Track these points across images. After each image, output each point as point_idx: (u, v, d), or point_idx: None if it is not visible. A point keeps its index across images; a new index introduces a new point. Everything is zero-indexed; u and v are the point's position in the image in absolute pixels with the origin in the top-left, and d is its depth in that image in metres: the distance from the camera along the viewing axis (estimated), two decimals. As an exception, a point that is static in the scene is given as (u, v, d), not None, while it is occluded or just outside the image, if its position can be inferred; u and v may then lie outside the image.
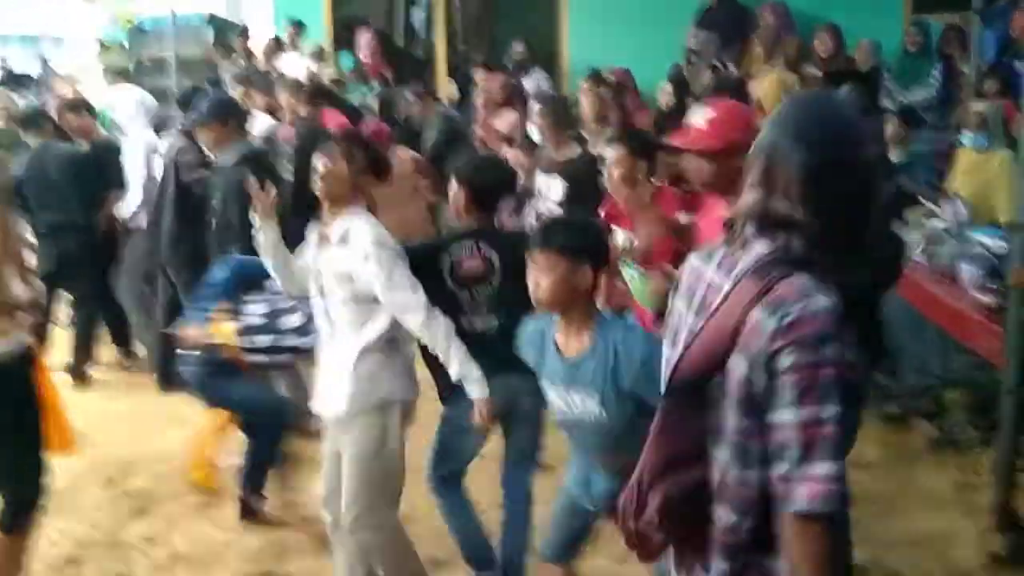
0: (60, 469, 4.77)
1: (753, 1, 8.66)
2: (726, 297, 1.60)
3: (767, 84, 7.87)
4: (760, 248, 1.61)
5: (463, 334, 3.27)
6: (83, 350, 6.34)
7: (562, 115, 5.62)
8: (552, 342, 2.74)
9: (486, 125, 6.85)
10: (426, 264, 3.34)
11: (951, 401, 5.11)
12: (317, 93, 6.82)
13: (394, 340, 3.29)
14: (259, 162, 4.91)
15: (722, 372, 1.58)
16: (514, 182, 4.06)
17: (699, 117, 2.81)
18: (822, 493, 1.47)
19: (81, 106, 6.67)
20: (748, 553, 1.62)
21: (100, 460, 4.91)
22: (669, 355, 1.76)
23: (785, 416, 1.50)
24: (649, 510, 1.67)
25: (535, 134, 5.70)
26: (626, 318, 3.17)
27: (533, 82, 8.42)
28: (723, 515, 1.63)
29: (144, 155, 6.19)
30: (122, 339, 6.61)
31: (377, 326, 3.23)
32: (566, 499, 3.03)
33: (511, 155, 5.70)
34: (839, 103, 1.82)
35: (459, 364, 3.21)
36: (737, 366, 1.56)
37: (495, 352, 3.24)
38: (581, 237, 2.72)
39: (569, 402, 2.70)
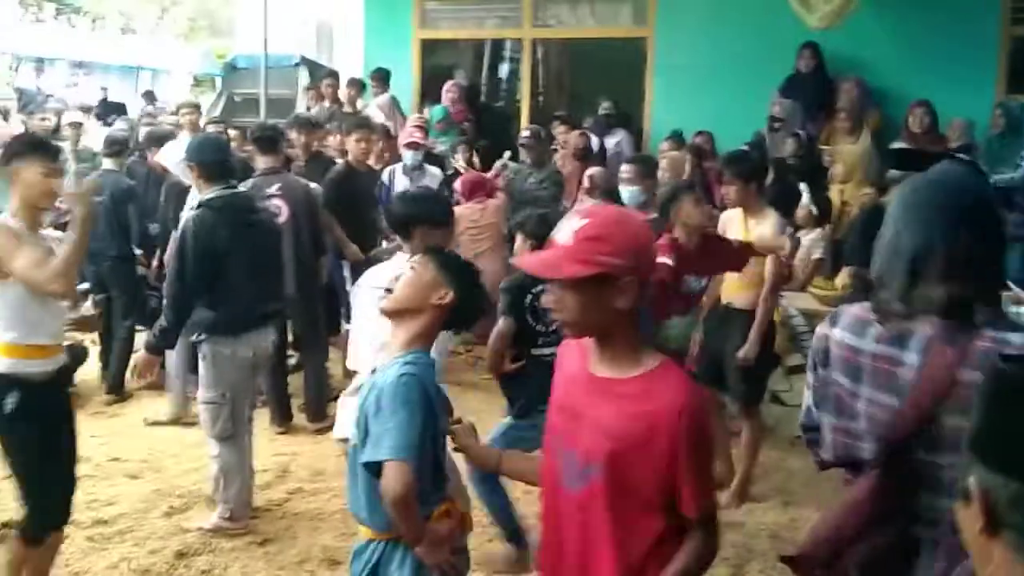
0: (125, 495, 4.94)
1: (838, 73, 8.60)
2: (923, 365, 1.77)
3: (851, 154, 7.87)
4: (933, 319, 1.79)
5: (536, 361, 3.93)
6: (122, 367, 6.43)
7: (649, 174, 5.67)
8: None
9: (569, 179, 6.93)
10: (517, 300, 4.03)
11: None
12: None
13: None
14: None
15: (932, 429, 1.75)
16: None
17: (566, 230, 2.01)
18: None
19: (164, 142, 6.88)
20: None
21: (166, 488, 4.98)
22: (829, 422, 1.93)
23: None
24: (845, 565, 1.83)
25: (624, 192, 5.69)
26: None
27: (615, 141, 8.46)
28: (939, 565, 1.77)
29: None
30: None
31: None
32: None
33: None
34: (971, 181, 1.93)
35: None
36: (951, 421, 1.72)
37: None
38: None
39: None
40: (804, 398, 2.06)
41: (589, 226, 1.95)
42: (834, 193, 7.70)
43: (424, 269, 2.60)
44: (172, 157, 6.12)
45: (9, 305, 3.41)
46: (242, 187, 5.07)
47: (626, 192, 5.65)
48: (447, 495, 2.57)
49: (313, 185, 6.13)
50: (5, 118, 10.22)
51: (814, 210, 6.80)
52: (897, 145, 7.46)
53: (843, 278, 6.35)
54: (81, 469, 5.20)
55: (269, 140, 5.94)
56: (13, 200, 3.48)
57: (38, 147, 3.57)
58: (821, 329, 1.98)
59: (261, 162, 5.92)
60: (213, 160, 4.57)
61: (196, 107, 8.75)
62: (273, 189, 5.73)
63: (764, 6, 8.54)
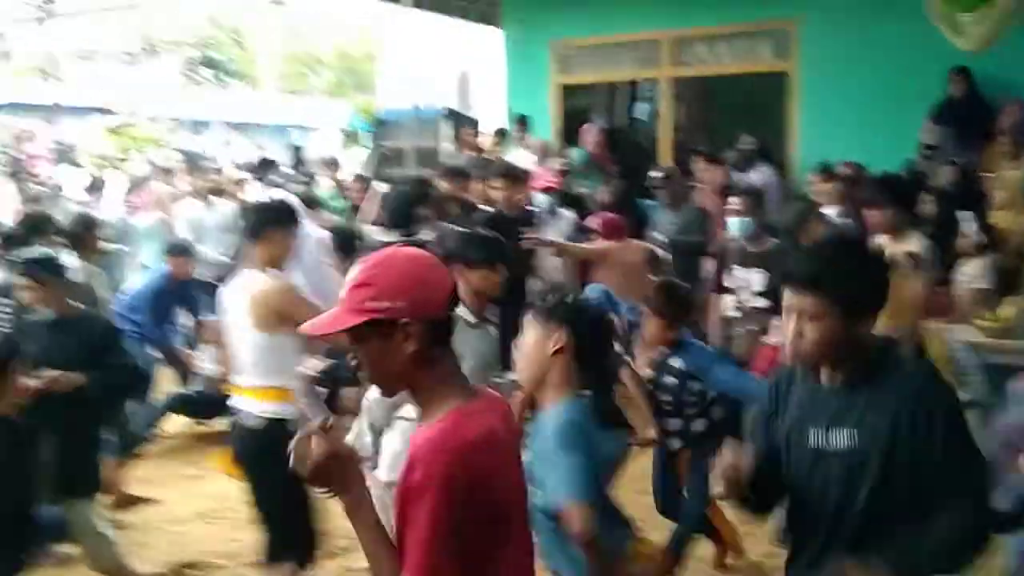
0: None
1: (992, 96, 8.27)
2: None
3: (1013, 180, 7.53)
4: None
5: None
6: None
7: (759, 207, 5.80)
8: None
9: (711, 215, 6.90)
10: None
11: None
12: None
13: None
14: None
15: None
16: None
17: (350, 277, 1.88)
18: None
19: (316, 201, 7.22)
20: None
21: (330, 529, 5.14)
22: None
23: None
24: None
25: (733, 223, 5.77)
26: None
27: (759, 175, 8.35)
28: None
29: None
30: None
31: None
32: None
33: None
34: None
35: None
36: None
37: None
38: None
39: None
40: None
41: (358, 273, 1.84)
42: (994, 220, 7.38)
43: (529, 330, 2.68)
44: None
45: (284, 352, 3.94)
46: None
47: (735, 223, 5.68)
48: (630, 534, 2.61)
49: None
50: (171, 177, 10.85)
51: (978, 239, 6.54)
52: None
53: (1008, 309, 6.06)
54: (252, 512, 5.54)
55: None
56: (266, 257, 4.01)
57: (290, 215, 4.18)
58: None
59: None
60: None
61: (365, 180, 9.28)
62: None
63: (911, 32, 8.31)
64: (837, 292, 2.14)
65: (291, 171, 12.03)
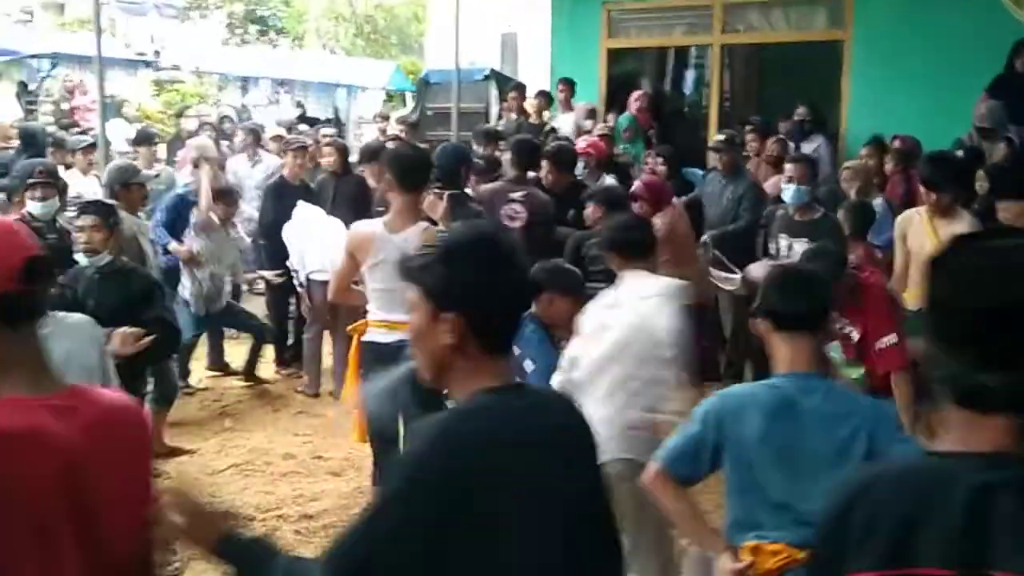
0: (328, 492, 5.18)
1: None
2: None
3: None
4: None
5: None
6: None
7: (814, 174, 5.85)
8: None
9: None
10: None
11: None
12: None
13: None
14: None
15: None
16: None
17: None
18: None
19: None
20: None
21: (367, 487, 5.16)
22: None
23: None
24: None
25: (787, 190, 5.69)
26: None
27: (813, 147, 8.19)
28: None
29: None
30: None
31: None
32: None
33: None
34: None
35: None
36: None
37: None
38: None
39: None
40: None
41: None
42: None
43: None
44: None
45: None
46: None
47: (789, 191, 5.61)
48: None
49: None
50: (218, 134, 10.92)
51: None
52: None
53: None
54: (287, 465, 5.60)
55: (528, 152, 6.25)
56: None
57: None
58: None
59: (511, 170, 6.25)
60: None
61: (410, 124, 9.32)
62: (518, 195, 5.91)
63: (971, 3, 8.09)
64: None
65: (332, 129, 12.05)
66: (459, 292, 1.75)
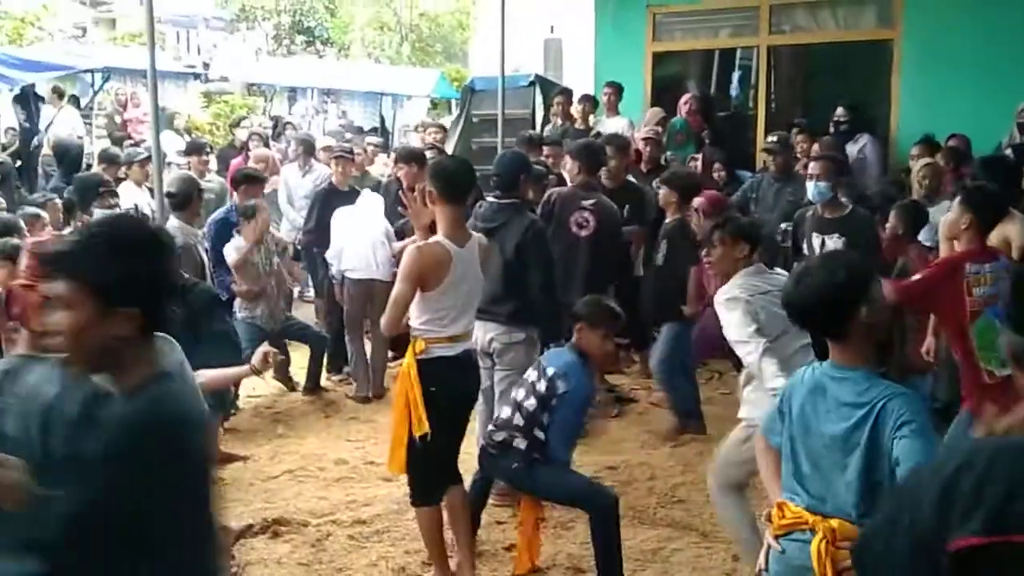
0: (381, 497, 5.22)
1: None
2: None
3: None
4: None
5: None
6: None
7: (837, 174, 5.90)
8: None
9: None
10: None
11: None
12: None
13: None
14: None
15: None
16: None
17: None
18: None
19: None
20: None
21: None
22: None
23: None
24: None
25: (811, 187, 5.71)
26: None
27: (859, 147, 8.10)
28: None
29: None
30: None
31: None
32: None
33: None
34: None
35: None
36: None
37: None
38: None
39: None
40: None
41: None
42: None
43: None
44: None
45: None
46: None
47: (813, 188, 5.59)
48: None
49: None
50: (266, 144, 11.07)
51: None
52: None
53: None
54: (340, 471, 5.65)
55: (595, 155, 6.26)
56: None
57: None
58: None
59: (578, 178, 6.21)
60: None
61: (442, 128, 9.31)
62: (587, 203, 5.94)
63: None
64: None
65: (378, 139, 12.16)
66: (140, 288, 1.86)
